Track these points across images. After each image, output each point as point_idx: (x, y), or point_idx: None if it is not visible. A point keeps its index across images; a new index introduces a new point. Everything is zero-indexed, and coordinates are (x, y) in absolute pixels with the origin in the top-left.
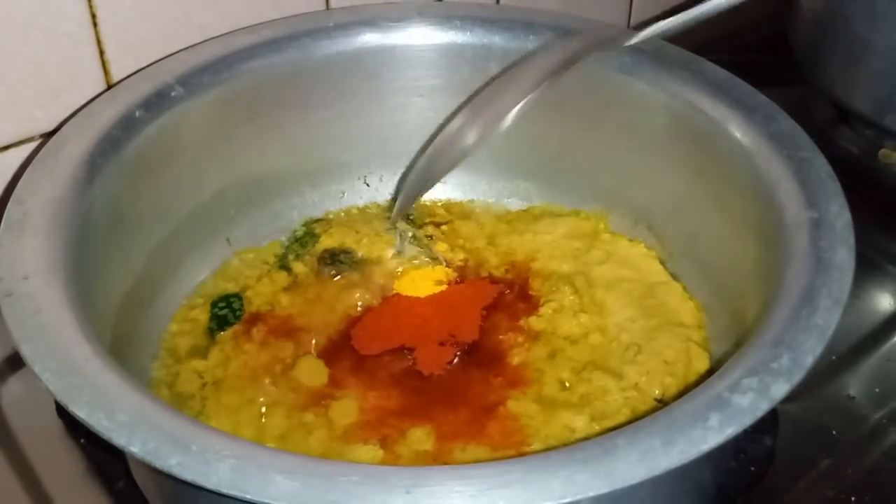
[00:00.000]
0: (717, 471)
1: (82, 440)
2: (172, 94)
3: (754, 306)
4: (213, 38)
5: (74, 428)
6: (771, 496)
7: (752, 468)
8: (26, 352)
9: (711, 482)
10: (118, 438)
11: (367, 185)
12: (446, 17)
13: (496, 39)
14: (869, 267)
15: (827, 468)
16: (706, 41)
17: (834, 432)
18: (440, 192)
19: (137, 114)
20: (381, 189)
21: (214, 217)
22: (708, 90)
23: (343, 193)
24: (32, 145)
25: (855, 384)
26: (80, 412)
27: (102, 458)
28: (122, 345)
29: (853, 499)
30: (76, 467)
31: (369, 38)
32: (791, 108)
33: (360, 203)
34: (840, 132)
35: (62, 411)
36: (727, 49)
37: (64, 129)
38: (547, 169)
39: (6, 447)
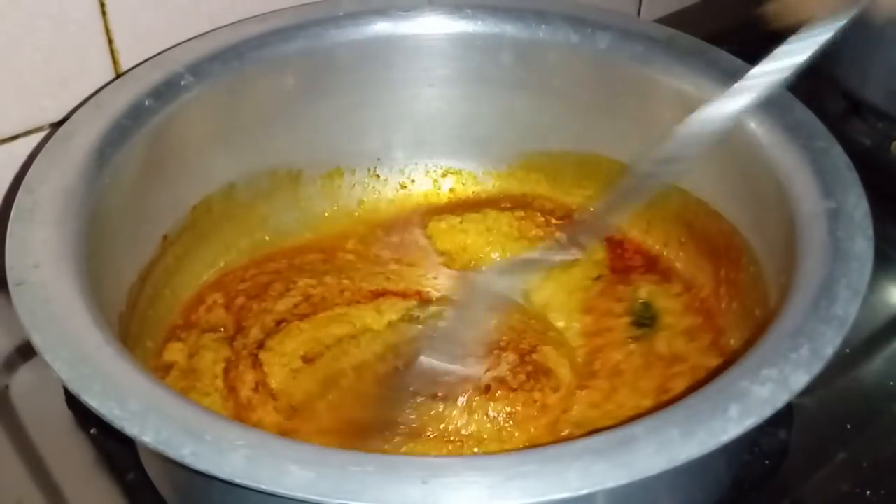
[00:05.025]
0: (732, 464)
1: (92, 431)
2: (182, 82)
3: (772, 297)
4: (223, 26)
5: (84, 419)
6: (785, 490)
7: (767, 462)
8: (37, 341)
9: (727, 475)
10: (131, 428)
11: (378, 175)
12: (457, 7)
13: (508, 28)
14: (882, 260)
15: (841, 462)
16: (717, 31)
17: (848, 426)
18: (449, 181)
19: (147, 102)
20: (391, 180)
21: (224, 207)
22: (722, 79)
23: (353, 185)
24: (41, 135)
25: (869, 377)
26: (92, 401)
27: (113, 449)
28: (131, 334)
29: (868, 493)
30: (86, 459)
31: (380, 28)
32: (802, 100)
33: (370, 195)
34: (852, 124)
35: (72, 402)
36: (739, 40)
37: (73, 117)
38: (559, 158)
39: (16, 438)
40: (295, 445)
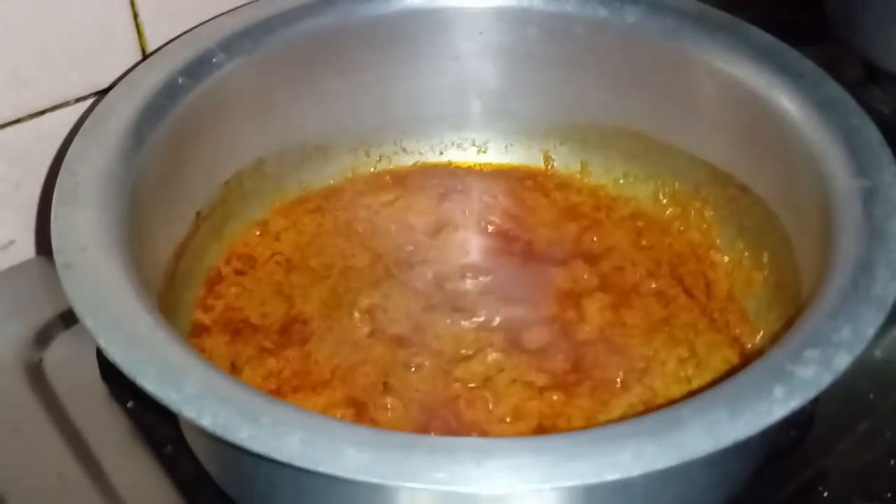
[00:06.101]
0: (767, 439)
1: (129, 404)
2: (214, 59)
3: (806, 278)
4: (252, 2)
5: (120, 392)
6: (810, 460)
7: (792, 433)
8: (90, 325)
9: (760, 449)
10: (188, 412)
11: (405, 149)
12: None
13: (535, 3)
14: None
15: (865, 432)
16: None
17: (871, 396)
18: (472, 155)
19: (180, 80)
20: (418, 153)
21: (254, 182)
22: (753, 55)
23: (380, 158)
24: (68, 110)
25: (891, 349)
26: (149, 385)
27: (151, 422)
28: (168, 310)
29: (892, 462)
30: (123, 432)
31: (408, 2)
32: (820, 68)
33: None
34: (871, 92)
35: (107, 375)
36: (759, 7)
37: (108, 96)
38: (585, 132)
39: (53, 413)
40: (350, 427)
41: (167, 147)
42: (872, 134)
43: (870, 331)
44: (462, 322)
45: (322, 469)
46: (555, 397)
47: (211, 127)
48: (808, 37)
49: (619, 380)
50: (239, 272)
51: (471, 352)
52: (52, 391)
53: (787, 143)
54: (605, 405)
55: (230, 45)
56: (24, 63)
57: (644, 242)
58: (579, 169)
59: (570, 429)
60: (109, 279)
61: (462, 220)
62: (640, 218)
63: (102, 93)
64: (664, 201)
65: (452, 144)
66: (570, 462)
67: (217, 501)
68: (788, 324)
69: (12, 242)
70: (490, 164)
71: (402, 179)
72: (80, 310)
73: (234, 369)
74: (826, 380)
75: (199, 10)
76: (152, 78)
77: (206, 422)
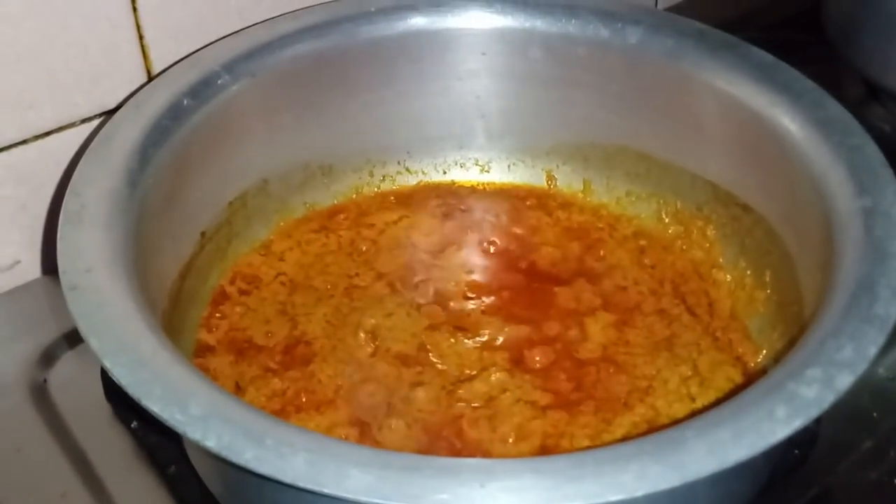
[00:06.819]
0: (771, 458)
1: (133, 424)
2: (219, 81)
3: (809, 297)
4: (256, 23)
5: (124, 412)
6: (814, 479)
7: (796, 451)
8: (95, 345)
9: (764, 469)
10: (193, 433)
11: (408, 169)
12: (487, 1)
13: (538, 23)
14: None
15: (869, 451)
16: (737, 17)
17: (875, 415)
18: (475, 174)
19: (185, 102)
20: (422, 173)
21: (259, 202)
22: (753, 75)
23: (384, 178)
24: (73, 131)
25: (894, 367)
26: (154, 406)
27: (154, 442)
28: (174, 329)
29: None
30: (127, 452)
31: (411, 23)
32: (821, 87)
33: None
34: (872, 111)
35: (111, 395)
36: (759, 26)
37: (114, 118)
38: (587, 151)
39: (57, 433)
40: (354, 448)
41: (172, 168)
42: (873, 153)
43: (872, 350)
44: (465, 341)
45: (326, 490)
46: (558, 417)
47: (215, 148)
48: (808, 56)
49: (622, 399)
50: (243, 292)
51: (474, 371)
52: (56, 411)
53: (788, 163)
54: (609, 424)
55: (235, 67)
56: (30, 84)
57: (647, 261)
58: (582, 188)
59: (574, 448)
60: (114, 300)
61: (465, 239)
62: (642, 237)
63: (108, 114)
64: (666, 220)
65: (456, 164)
66: (572, 483)
67: None
68: (791, 343)
69: (18, 262)
70: (493, 184)
71: (406, 199)
72: (85, 330)
73: (238, 389)
74: (828, 399)
75: (203, 31)
76: (157, 99)
77: (211, 443)
